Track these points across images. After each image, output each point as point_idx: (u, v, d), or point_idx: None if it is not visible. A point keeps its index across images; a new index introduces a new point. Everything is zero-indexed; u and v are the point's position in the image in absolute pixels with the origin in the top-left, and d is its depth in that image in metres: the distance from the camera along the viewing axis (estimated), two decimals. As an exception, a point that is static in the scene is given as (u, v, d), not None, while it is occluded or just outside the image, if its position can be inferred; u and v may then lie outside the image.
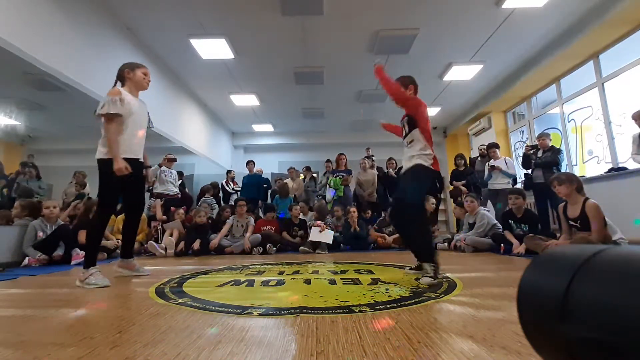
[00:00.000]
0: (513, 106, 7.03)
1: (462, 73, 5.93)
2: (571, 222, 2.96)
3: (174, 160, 5.28)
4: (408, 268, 2.40)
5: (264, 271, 2.53)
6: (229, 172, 7.09)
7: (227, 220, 4.44)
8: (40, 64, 3.24)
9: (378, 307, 1.36)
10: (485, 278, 2.06)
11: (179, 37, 4.72)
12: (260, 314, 1.30)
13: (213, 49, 4.95)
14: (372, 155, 6.62)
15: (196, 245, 4.04)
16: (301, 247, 4.21)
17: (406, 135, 2.22)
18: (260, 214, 6.18)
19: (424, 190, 2.14)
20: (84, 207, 4.02)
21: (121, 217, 3.08)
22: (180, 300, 1.57)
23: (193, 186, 8.43)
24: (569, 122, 5.56)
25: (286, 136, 9.66)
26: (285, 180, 6.44)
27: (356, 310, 1.32)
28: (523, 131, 6.90)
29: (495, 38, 4.84)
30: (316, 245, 4.22)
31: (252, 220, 4.49)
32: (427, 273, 1.91)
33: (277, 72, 5.84)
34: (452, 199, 6.34)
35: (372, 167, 5.94)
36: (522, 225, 3.63)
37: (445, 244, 4.15)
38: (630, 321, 0.38)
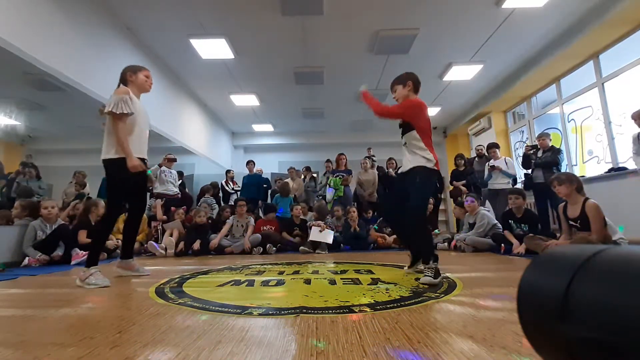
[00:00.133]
0: (513, 106, 7.03)
1: (462, 73, 5.93)
2: (571, 222, 2.96)
3: (174, 160, 5.28)
4: (406, 267, 2.40)
5: (264, 271, 2.53)
6: (228, 172, 7.09)
7: (227, 220, 4.44)
8: (40, 64, 3.24)
9: (378, 307, 1.36)
10: (485, 278, 2.06)
11: (179, 37, 4.72)
12: (260, 314, 1.30)
13: (213, 49, 4.95)
14: (373, 155, 6.63)
15: (196, 245, 4.04)
16: (301, 247, 4.21)
17: (402, 136, 2.21)
18: (260, 214, 6.18)
19: (427, 193, 2.13)
20: (84, 207, 4.02)
21: (122, 217, 3.08)
22: (180, 300, 1.57)
23: (193, 186, 8.42)
24: (569, 122, 5.56)
25: (286, 136, 9.66)
26: (285, 180, 6.44)
27: (356, 310, 1.32)
28: (523, 131, 6.90)
29: (495, 38, 4.84)
30: (316, 245, 4.21)
31: (252, 220, 4.49)
32: (427, 273, 1.91)
33: (277, 72, 5.84)
34: (452, 199, 6.34)
35: (372, 167, 5.94)
36: (522, 225, 3.63)
37: (445, 244, 4.15)
38: (630, 321, 0.38)
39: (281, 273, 2.41)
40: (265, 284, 1.98)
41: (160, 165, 5.07)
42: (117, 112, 2.10)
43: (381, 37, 4.74)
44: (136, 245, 4.07)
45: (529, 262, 0.58)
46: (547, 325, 0.48)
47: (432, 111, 7.83)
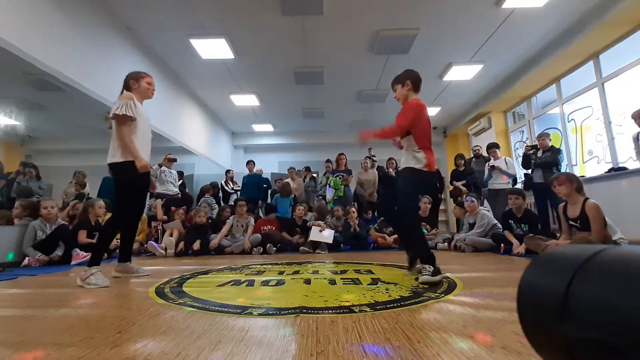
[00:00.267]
0: (513, 106, 7.03)
1: (462, 73, 5.93)
2: (571, 222, 2.96)
3: (174, 160, 5.28)
4: (406, 271, 2.38)
5: (264, 271, 2.53)
6: (227, 172, 7.10)
7: (227, 220, 4.44)
8: (40, 64, 3.24)
9: (378, 307, 1.36)
10: (485, 278, 2.06)
11: (179, 37, 4.72)
12: (260, 314, 1.30)
13: (213, 49, 4.95)
14: (374, 156, 6.63)
15: (196, 245, 4.04)
16: (301, 247, 4.21)
17: (402, 139, 2.20)
18: (261, 214, 6.18)
19: (413, 194, 2.13)
20: (83, 207, 4.02)
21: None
22: (180, 300, 1.57)
23: (193, 186, 8.43)
24: (569, 122, 5.56)
25: (286, 136, 9.66)
26: (285, 180, 6.44)
27: (356, 310, 1.32)
28: (523, 131, 6.90)
29: (495, 38, 4.84)
30: (316, 245, 4.21)
31: (252, 220, 4.49)
32: (425, 272, 1.91)
33: (277, 72, 5.84)
34: (452, 199, 6.34)
35: (372, 166, 5.94)
36: (522, 225, 3.63)
37: (445, 244, 4.15)
38: (630, 321, 0.38)
39: (281, 273, 2.41)
40: (265, 284, 1.98)
41: (160, 165, 5.07)
42: (120, 114, 2.15)
43: (381, 37, 4.74)
44: (136, 245, 4.09)
45: (529, 262, 0.58)
46: (547, 325, 0.48)
47: (432, 111, 7.83)
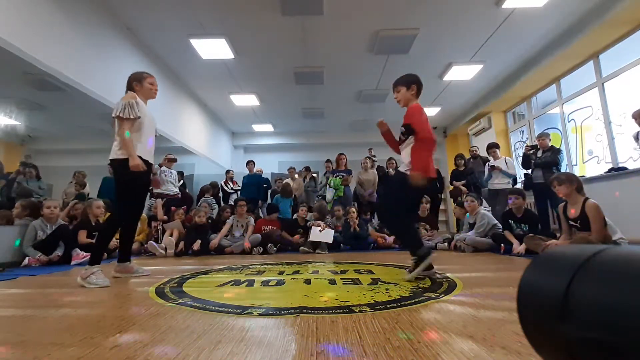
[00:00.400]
0: (513, 106, 7.03)
1: (462, 73, 5.93)
2: (571, 222, 2.96)
3: (174, 160, 5.28)
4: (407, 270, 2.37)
5: (264, 271, 2.53)
6: (227, 172, 7.10)
7: (227, 220, 4.44)
8: (40, 64, 3.24)
9: (378, 307, 1.36)
10: (485, 278, 2.06)
11: (179, 37, 4.72)
12: (260, 314, 1.30)
13: (213, 49, 4.95)
14: (374, 156, 6.63)
15: (196, 246, 4.04)
16: (301, 247, 4.21)
17: (402, 142, 2.21)
18: (261, 214, 6.18)
19: (399, 196, 2.14)
20: (84, 208, 4.02)
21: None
22: (180, 300, 1.57)
23: (193, 186, 8.43)
24: (569, 122, 5.56)
25: (286, 136, 9.66)
26: (285, 180, 6.44)
27: (356, 310, 1.32)
28: (523, 131, 6.90)
29: (495, 38, 4.84)
30: (316, 245, 4.21)
31: (252, 220, 4.49)
32: (409, 268, 1.99)
33: (277, 72, 5.84)
34: (452, 199, 6.34)
35: (372, 166, 5.94)
36: (522, 225, 3.63)
37: (445, 244, 4.15)
38: (630, 321, 0.38)
39: (281, 273, 2.41)
40: (265, 284, 1.98)
41: (160, 166, 5.07)
42: (124, 117, 2.17)
43: (381, 37, 4.74)
44: (136, 245, 4.09)
45: (529, 262, 0.58)
46: (547, 325, 0.48)
47: (432, 111, 7.83)
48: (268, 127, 9.04)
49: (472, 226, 4.03)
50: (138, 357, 0.89)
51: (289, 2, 3.94)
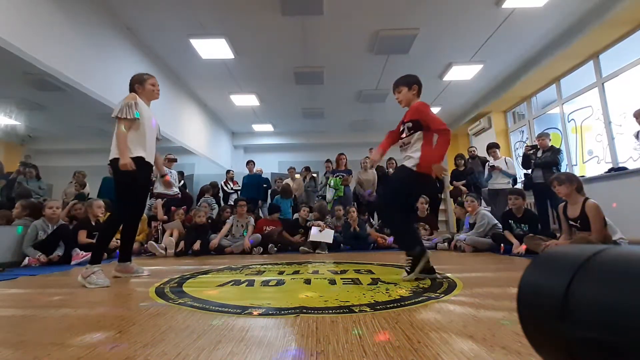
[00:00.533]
0: (513, 106, 7.03)
1: (462, 73, 5.93)
2: (571, 222, 2.96)
3: (174, 160, 5.28)
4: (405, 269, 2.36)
5: (264, 271, 2.54)
6: (228, 172, 7.11)
7: (227, 220, 4.45)
8: (40, 64, 3.24)
9: (378, 307, 1.36)
10: (485, 278, 2.06)
11: (179, 37, 4.72)
12: (260, 314, 1.30)
13: (213, 49, 4.95)
14: (375, 156, 6.61)
15: (196, 246, 4.04)
16: (301, 247, 4.21)
17: (406, 137, 2.18)
18: (261, 214, 6.18)
19: (400, 192, 2.12)
20: (85, 208, 4.02)
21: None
22: (180, 300, 1.57)
23: (193, 186, 8.44)
24: (569, 122, 5.56)
25: (286, 136, 9.66)
26: (285, 181, 6.43)
27: (356, 310, 1.32)
28: (523, 131, 6.90)
29: (495, 38, 4.84)
30: (316, 245, 4.22)
31: (252, 220, 4.49)
32: (406, 267, 1.98)
33: (277, 72, 5.84)
34: (452, 199, 6.34)
35: (372, 166, 5.94)
36: (522, 225, 3.63)
37: (445, 244, 4.15)
38: (630, 321, 0.38)
39: (281, 273, 2.41)
40: (265, 284, 1.98)
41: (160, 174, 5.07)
42: (121, 117, 2.19)
43: (381, 37, 4.74)
44: (136, 245, 4.08)
45: (529, 262, 0.58)
46: (547, 325, 0.48)
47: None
48: (268, 127, 9.04)
49: (472, 226, 4.03)
50: (138, 357, 0.89)
51: (289, 2, 3.94)
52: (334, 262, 3.04)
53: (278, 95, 6.95)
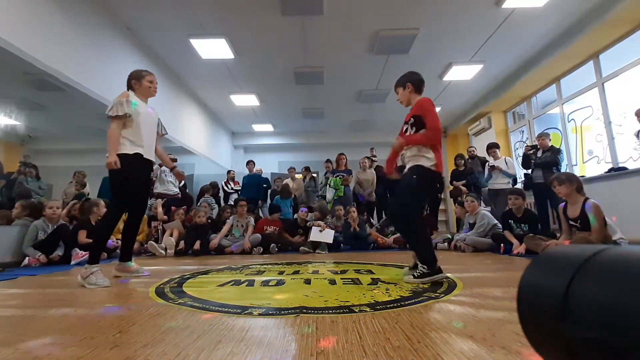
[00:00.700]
0: (513, 106, 7.03)
1: (462, 73, 5.93)
2: (571, 222, 2.96)
3: (174, 160, 5.26)
4: (406, 268, 2.35)
5: (264, 271, 2.53)
6: (229, 172, 7.12)
7: (227, 220, 4.45)
8: (40, 64, 3.24)
9: (378, 307, 1.36)
10: (485, 278, 2.06)
11: (179, 37, 4.72)
12: (260, 314, 1.30)
13: (213, 49, 4.95)
14: (375, 156, 6.62)
15: (196, 246, 4.04)
16: (301, 247, 4.21)
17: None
18: (261, 214, 6.18)
19: (421, 195, 2.08)
20: (86, 207, 4.03)
21: (122, 217, 3.10)
22: (180, 300, 1.57)
23: (193, 186, 8.43)
24: (569, 122, 5.56)
25: (286, 136, 9.66)
26: (285, 181, 6.43)
27: (356, 310, 1.32)
28: (523, 131, 6.90)
29: (495, 38, 4.84)
30: (316, 245, 4.21)
31: (252, 220, 4.48)
32: (414, 272, 1.92)
33: (277, 72, 5.84)
34: (452, 199, 6.34)
35: (371, 166, 5.94)
36: (522, 225, 3.62)
37: (445, 244, 4.15)
38: (630, 321, 0.38)
39: (281, 273, 2.41)
40: (265, 284, 1.98)
41: (160, 165, 5.07)
42: (112, 115, 2.19)
43: (381, 37, 4.74)
44: (136, 245, 4.08)
45: (529, 262, 0.58)
46: (547, 325, 0.48)
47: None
48: (268, 127, 9.04)
49: (472, 226, 4.03)
50: (138, 357, 0.89)
51: (289, 2, 3.94)
52: (334, 262, 3.04)
53: (278, 95, 6.95)
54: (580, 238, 2.80)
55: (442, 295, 1.58)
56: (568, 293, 0.46)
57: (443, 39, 4.88)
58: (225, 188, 6.80)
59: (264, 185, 6.72)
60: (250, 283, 2.01)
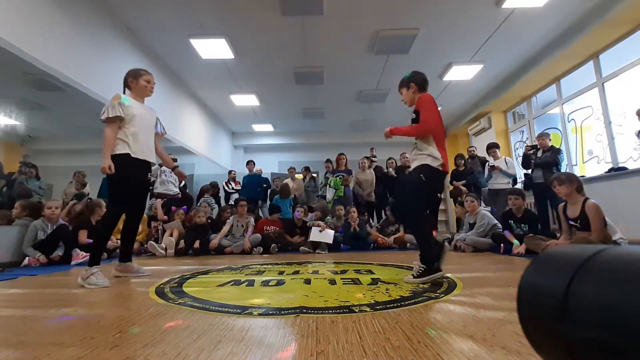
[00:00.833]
0: (513, 106, 7.03)
1: (462, 73, 5.93)
2: (571, 222, 2.96)
3: (174, 160, 5.26)
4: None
5: (264, 271, 2.53)
6: (230, 172, 7.13)
7: (227, 220, 4.45)
8: (40, 64, 3.24)
9: (378, 307, 1.36)
10: (485, 278, 2.06)
11: (179, 37, 4.72)
12: (260, 314, 1.30)
13: (213, 49, 4.95)
14: (374, 156, 6.61)
15: (196, 244, 4.05)
16: (301, 247, 4.21)
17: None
18: (261, 214, 6.18)
19: (421, 194, 2.07)
20: (88, 207, 4.03)
21: (122, 217, 3.11)
22: (180, 300, 1.57)
23: (193, 186, 8.43)
24: (569, 122, 5.56)
25: (286, 136, 9.66)
26: (285, 180, 6.43)
27: (356, 310, 1.32)
28: (523, 131, 6.90)
29: (495, 38, 4.84)
30: (316, 245, 4.22)
31: (252, 220, 4.48)
32: (413, 272, 1.92)
33: (277, 72, 5.84)
34: (452, 199, 6.34)
35: (370, 166, 5.94)
36: (522, 225, 3.62)
37: (445, 244, 4.14)
38: (630, 321, 0.38)
39: (281, 273, 2.41)
40: (265, 284, 1.98)
41: (160, 165, 5.07)
42: (103, 119, 2.19)
43: (381, 37, 4.74)
44: (136, 245, 4.08)
45: (529, 262, 0.58)
46: (547, 325, 0.48)
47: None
48: (268, 127, 9.04)
49: (472, 226, 4.03)
50: (138, 357, 0.89)
51: (289, 2, 3.94)
52: (334, 262, 3.04)
53: (278, 95, 6.96)
54: (580, 238, 2.80)
55: (442, 295, 1.58)
56: (568, 293, 0.46)
57: (443, 39, 4.88)
58: (227, 188, 6.81)
59: (264, 185, 6.72)
60: (250, 283, 2.01)
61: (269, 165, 8.98)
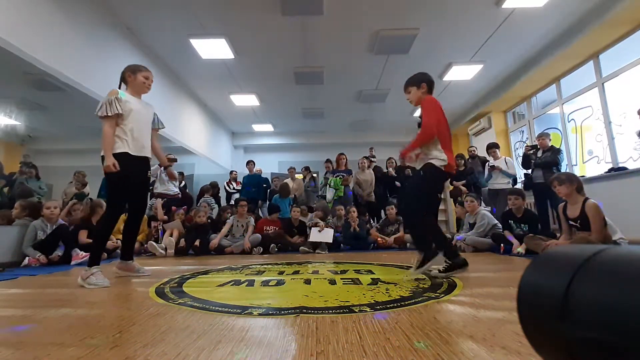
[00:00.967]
0: (513, 106, 7.03)
1: (462, 73, 5.93)
2: (571, 222, 2.96)
3: (175, 160, 5.27)
4: (412, 269, 2.32)
5: (264, 271, 2.53)
6: (231, 172, 7.14)
7: (227, 220, 4.45)
8: (40, 64, 3.24)
9: (378, 307, 1.36)
10: (485, 278, 2.06)
11: (179, 37, 4.72)
12: (260, 314, 1.30)
13: (213, 49, 4.95)
14: (374, 156, 6.60)
15: (196, 243, 4.05)
16: (301, 247, 4.21)
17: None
18: (261, 213, 6.18)
19: (423, 194, 2.08)
20: (90, 207, 4.03)
21: (122, 217, 3.10)
22: (180, 300, 1.57)
23: (193, 186, 8.43)
24: (569, 122, 5.56)
25: (286, 136, 9.66)
26: (285, 180, 6.43)
27: (356, 310, 1.32)
28: (523, 131, 6.90)
29: (495, 38, 4.84)
30: (316, 245, 4.22)
31: (252, 220, 4.48)
32: (439, 267, 1.96)
33: (277, 72, 5.84)
34: (452, 199, 6.34)
35: (369, 166, 5.94)
36: (522, 225, 3.62)
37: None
38: (630, 321, 0.38)
39: (281, 273, 2.41)
40: (265, 284, 1.98)
41: (160, 165, 5.07)
42: (101, 115, 2.14)
43: (381, 37, 4.74)
44: (136, 245, 4.08)
45: (529, 262, 0.58)
46: (547, 325, 0.48)
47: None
48: (268, 127, 9.04)
49: (472, 226, 4.03)
50: (138, 357, 0.89)
51: (289, 2, 3.94)
52: (334, 262, 3.04)
53: (278, 95, 6.96)
54: (580, 238, 2.80)
55: (442, 295, 1.58)
56: (568, 293, 0.46)
57: (443, 39, 4.88)
58: (228, 188, 6.82)
59: (264, 185, 6.73)
60: (250, 283, 2.01)
61: (269, 165, 8.98)
